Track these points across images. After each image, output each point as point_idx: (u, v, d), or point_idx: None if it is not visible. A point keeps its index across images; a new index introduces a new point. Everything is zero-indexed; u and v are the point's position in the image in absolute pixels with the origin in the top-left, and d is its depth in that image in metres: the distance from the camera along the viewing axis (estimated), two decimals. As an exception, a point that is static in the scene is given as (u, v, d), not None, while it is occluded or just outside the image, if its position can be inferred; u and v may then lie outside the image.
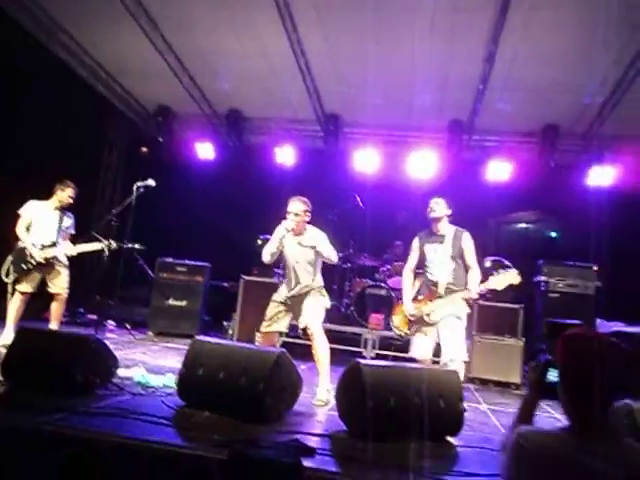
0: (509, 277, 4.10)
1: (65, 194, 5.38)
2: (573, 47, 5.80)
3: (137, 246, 5.36)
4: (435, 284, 4.32)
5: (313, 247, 4.28)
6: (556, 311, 6.14)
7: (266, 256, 4.34)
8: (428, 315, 4.27)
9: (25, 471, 2.64)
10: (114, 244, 5.16)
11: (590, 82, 6.31)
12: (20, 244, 5.24)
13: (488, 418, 4.28)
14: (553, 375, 1.70)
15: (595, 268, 6.34)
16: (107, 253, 5.09)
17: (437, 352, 4.29)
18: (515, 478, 1.52)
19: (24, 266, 5.18)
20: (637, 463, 1.39)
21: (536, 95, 6.72)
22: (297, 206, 4.25)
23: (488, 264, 5.95)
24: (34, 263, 5.19)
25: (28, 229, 5.27)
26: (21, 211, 5.29)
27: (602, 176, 7.36)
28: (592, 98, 6.57)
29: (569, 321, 5.42)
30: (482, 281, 4.20)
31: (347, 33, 6.05)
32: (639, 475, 1.37)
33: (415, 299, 4.45)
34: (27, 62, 6.13)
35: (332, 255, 4.31)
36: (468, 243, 4.34)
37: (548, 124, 7.21)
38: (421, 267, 4.51)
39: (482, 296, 4.56)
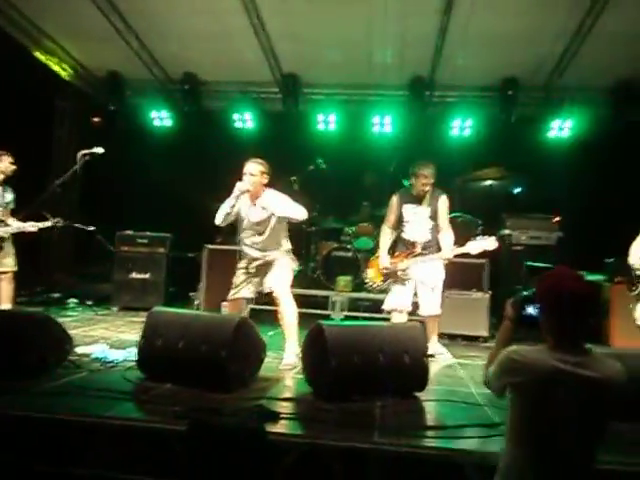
0: (486, 244, 4.31)
1: (5, 162, 5.04)
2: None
3: (87, 227, 5.08)
4: (412, 243, 4.56)
5: (272, 214, 4.14)
6: (520, 263, 6.20)
7: (219, 218, 4.16)
8: (403, 271, 4.53)
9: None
10: (62, 222, 4.90)
11: (548, 32, 6.22)
12: None
13: (456, 371, 4.32)
14: (531, 309, 2.01)
15: (556, 219, 6.41)
16: (56, 230, 4.84)
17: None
18: (509, 387, 1.85)
19: None
20: (601, 368, 1.76)
21: (494, 48, 6.59)
22: (252, 167, 4.10)
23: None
24: None
25: None
26: None
27: (562, 128, 7.38)
28: (550, 49, 6.51)
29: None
30: (459, 244, 4.42)
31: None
32: (602, 377, 1.74)
33: (390, 256, 4.68)
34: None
35: (297, 213, 4.11)
36: (443, 205, 4.56)
37: (507, 77, 7.12)
38: (397, 225, 4.68)
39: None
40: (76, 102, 8.45)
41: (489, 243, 4.33)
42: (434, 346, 4.61)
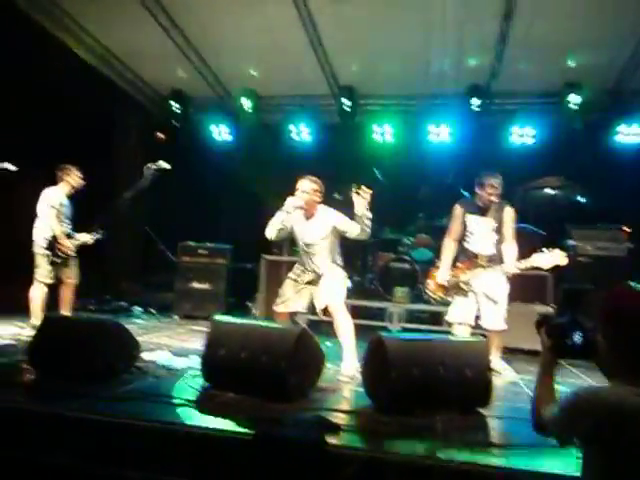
0: (556, 258, 4.05)
1: (74, 176, 5.29)
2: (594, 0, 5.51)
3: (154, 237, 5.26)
4: (475, 255, 4.46)
5: (330, 227, 4.13)
6: (587, 276, 5.93)
7: (269, 231, 4.16)
8: (466, 283, 4.45)
9: (51, 454, 2.67)
10: (99, 235, 5.14)
11: (614, 35, 5.99)
12: (48, 235, 5.13)
13: (519, 387, 4.17)
14: (577, 336, 1.71)
15: (626, 229, 6.10)
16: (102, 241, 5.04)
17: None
18: (582, 436, 1.52)
19: (55, 258, 5.14)
20: None
21: (557, 53, 6.43)
22: (305, 184, 4.12)
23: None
24: (65, 255, 5.16)
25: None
26: (52, 202, 5.16)
27: (629, 134, 7.05)
28: (617, 52, 6.25)
29: (586, 287, 5.33)
30: (523, 257, 4.23)
31: (357, 1, 5.84)
32: None
33: (452, 267, 4.58)
34: (37, 52, 6.09)
35: (355, 229, 4.02)
36: (509, 217, 4.45)
37: (571, 82, 6.89)
38: (460, 236, 4.59)
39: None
40: (140, 119, 8.84)
41: (560, 259, 4.06)
42: (496, 362, 4.47)
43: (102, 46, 7.10)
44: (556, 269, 5.82)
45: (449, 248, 4.63)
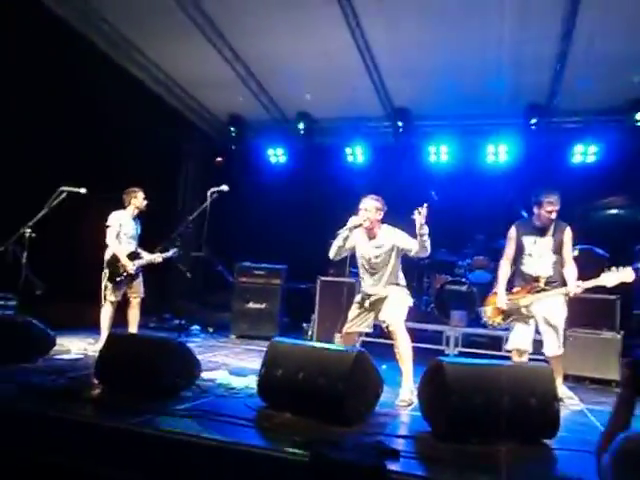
0: (623, 275, 3.99)
1: (140, 198, 5.55)
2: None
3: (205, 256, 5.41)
4: (535, 278, 4.31)
5: (393, 245, 4.14)
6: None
7: (332, 252, 4.22)
8: (527, 307, 4.28)
9: (116, 468, 2.76)
10: (177, 252, 5.34)
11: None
12: (109, 254, 5.42)
13: (586, 418, 3.98)
14: None
15: (701, 252, 5.76)
16: (176, 260, 5.24)
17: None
18: None
19: (118, 278, 5.37)
20: None
21: (618, 69, 6.22)
22: (367, 202, 4.16)
23: (576, 253, 5.58)
24: (126, 274, 5.38)
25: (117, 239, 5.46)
26: (110, 222, 5.44)
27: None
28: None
29: None
30: (590, 277, 4.13)
31: (411, 21, 5.88)
32: None
33: (509, 291, 4.43)
34: (106, 84, 6.47)
35: (415, 246, 4.02)
36: (569, 237, 4.31)
37: (634, 99, 6.65)
38: (516, 259, 4.44)
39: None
40: (201, 144, 9.18)
41: (626, 275, 3.97)
42: (561, 389, 4.28)
43: (167, 76, 7.45)
44: (623, 293, 5.59)
45: (505, 270, 4.49)
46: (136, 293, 5.56)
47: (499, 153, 7.49)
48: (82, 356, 4.86)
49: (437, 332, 6.42)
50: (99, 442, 2.88)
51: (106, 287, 5.36)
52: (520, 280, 4.42)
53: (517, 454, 2.86)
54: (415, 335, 6.15)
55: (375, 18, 5.95)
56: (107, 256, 5.43)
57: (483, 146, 7.59)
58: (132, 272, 5.40)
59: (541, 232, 4.34)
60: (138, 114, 6.91)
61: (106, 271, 5.38)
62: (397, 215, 6.37)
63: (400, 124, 7.62)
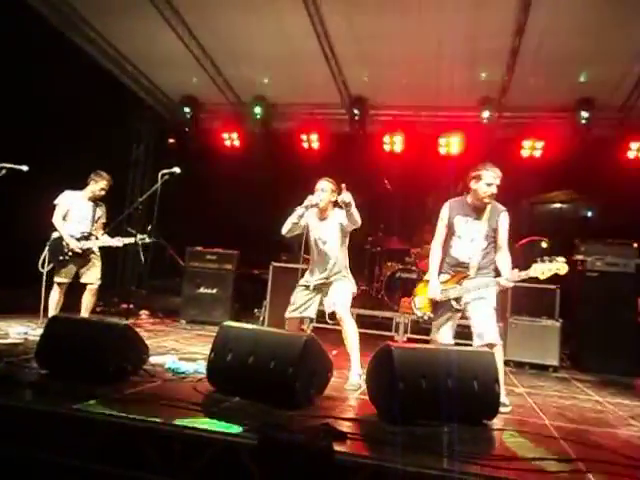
0: (556, 267, 3.66)
1: (98, 186, 5.42)
2: (608, 16, 5.53)
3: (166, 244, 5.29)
4: (463, 263, 3.86)
5: (339, 224, 4.19)
6: (595, 291, 5.92)
7: (285, 228, 4.20)
8: (457, 300, 3.84)
9: (61, 454, 2.69)
10: (147, 239, 5.19)
11: (625, 52, 6.02)
12: (56, 234, 5.27)
13: (525, 400, 4.17)
14: None
15: (635, 245, 6.06)
16: (140, 247, 5.14)
17: (468, 335, 3.94)
18: None
19: (61, 257, 5.22)
20: None
21: (569, 68, 6.46)
22: (324, 184, 4.22)
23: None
24: (71, 254, 5.24)
25: (64, 219, 5.30)
26: (57, 201, 5.29)
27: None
28: (629, 68, 6.27)
29: None
30: (522, 268, 3.75)
31: (369, 11, 5.90)
32: None
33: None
34: (55, 58, 6.18)
35: (358, 217, 4.01)
36: (505, 223, 3.86)
37: (583, 97, 6.92)
38: (446, 242, 3.96)
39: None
40: (153, 124, 8.94)
41: (559, 267, 3.65)
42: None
43: (118, 52, 7.19)
44: (561, 281, 5.81)
45: (437, 257, 3.98)
46: (90, 279, 5.41)
47: (451, 145, 7.63)
48: (22, 340, 4.68)
49: (387, 319, 6.54)
50: (39, 428, 2.79)
51: (44, 264, 5.20)
52: (448, 267, 3.94)
53: (460, 435, 2.96)
54: (365, 321, 6.31)
55: (334, 6, 5.95)
56: (54, 235, 5.28)
57: (436, 138, 7.71)
58: (78, 251, 5.25)
59: (476, 214, 3.86)
60: (87, 91, 6.65)
61: (47, 249, 5.23)
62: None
63: (356, 112, 7.65)
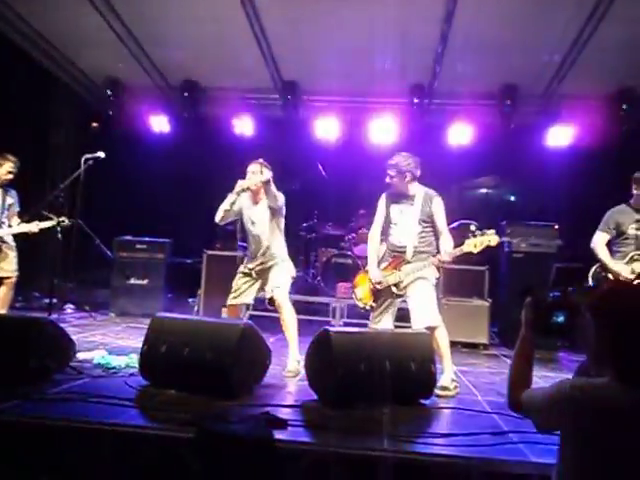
0: (487, 239, 3.80)
1: (3, 170, 5.00)
2: (531, 5, 5.73)
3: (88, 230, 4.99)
4: (401, 250, 3.96)
5: (269, 206, 4.18)
6: (521, 271, 6.19)
7: (219, 215, 4.18)
8: (396, 286, 3.90)
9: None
10: (67, 221, 4.86)
11: (547, 40, 6.28)
12: None
13: (458, 378, 4.29)
14: (560, 317, 1.76)
15: (556, 227, 6.40)
16: (59, 230, 4.81)
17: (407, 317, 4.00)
18: (564, 429, 1.52)
19: None
20: None
21: (495, 55, 6.63)
22: (255, 167, 4.17)
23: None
24: None
25: None
26: None
27: (560, 136, 7.41)
28: (550, 56, 6.55)
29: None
30: (456, 245, 3.90)
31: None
32: None
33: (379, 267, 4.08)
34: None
35: (278, 194, 4.13)
36: (439, 207, 3.99)
37: (507, 84, 7.15)
38: (384, 231, 4.12)
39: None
40: (75, 107, 8.43)
41: (490, 238, 3.79)
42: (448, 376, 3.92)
43: (33, 30, 6.68)
44: (489, 262, 6.04)
45: (374, 243, 4.12)
46: (4, 270, 5.03)
47: (383, 131, 7.70)
48: None
49: (323, 304, 6.57)
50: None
51: None
52: (388, 253, 4.06)
53: (398, 415, 3.01)
54: (302, 307, 6.28)
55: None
56: None
57: (368, 124, 7.76)
58: None
59: (408, 200, 4.01)
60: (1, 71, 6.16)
61: None
62: (287, 188, 6.36)
63: (289, 97, 7.55)
